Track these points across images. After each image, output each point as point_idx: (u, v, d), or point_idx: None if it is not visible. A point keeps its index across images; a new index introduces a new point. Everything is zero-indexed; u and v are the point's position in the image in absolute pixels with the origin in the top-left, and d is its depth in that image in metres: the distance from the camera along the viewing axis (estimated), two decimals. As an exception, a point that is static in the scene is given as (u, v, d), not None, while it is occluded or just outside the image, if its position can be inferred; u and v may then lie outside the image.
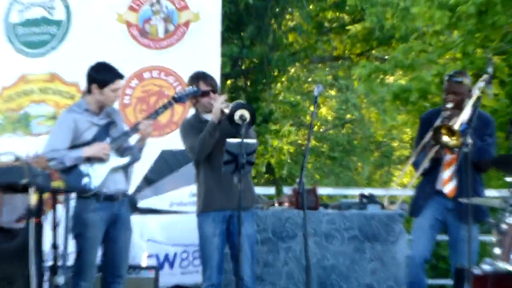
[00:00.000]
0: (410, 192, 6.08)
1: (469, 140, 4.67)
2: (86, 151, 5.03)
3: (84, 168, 5.04)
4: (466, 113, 5.14)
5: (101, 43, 6.49)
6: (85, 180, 5.00)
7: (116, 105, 5.47)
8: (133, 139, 5.34)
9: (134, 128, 5.19)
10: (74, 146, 5.05)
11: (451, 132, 5.01)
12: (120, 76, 5.18)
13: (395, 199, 6.79)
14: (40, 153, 5.06)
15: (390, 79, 16.64)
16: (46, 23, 6.58)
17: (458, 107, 5.18)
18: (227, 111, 5.06)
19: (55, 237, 4.81)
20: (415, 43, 10.60)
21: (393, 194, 7.11)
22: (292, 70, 16.96)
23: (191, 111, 6.24)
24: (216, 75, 6.62)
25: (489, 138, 5.21)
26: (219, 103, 5.14)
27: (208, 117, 5.25)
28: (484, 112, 5.42)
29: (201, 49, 6.63)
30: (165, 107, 5.31)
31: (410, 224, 8.34)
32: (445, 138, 5.04)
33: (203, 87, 5.31)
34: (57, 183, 4.73)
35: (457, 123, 5.03)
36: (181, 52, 6.66)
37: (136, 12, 6.66)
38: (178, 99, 5.31)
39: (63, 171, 4.95)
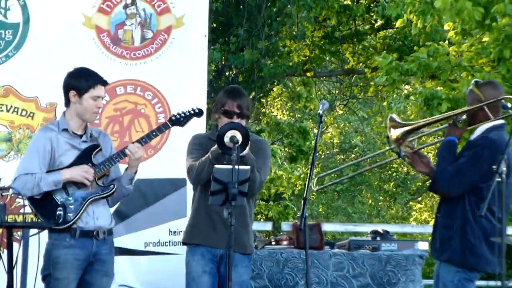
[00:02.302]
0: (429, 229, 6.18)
1: (503, 168, 4.78)
2: (65, 173, 5.08)
3: (59, 197, 5.09)
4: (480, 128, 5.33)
5: (65, 52, 6.55)
6: (58, 212, 5.02)
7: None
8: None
9: (121, 153, 5.20)
10: (49, 171, 5.10)
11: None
12: (103, 82, 5.21)
13: None
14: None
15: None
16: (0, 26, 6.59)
17: (473, 120, 5.36)
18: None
19: (12, 281, 4.87)
20: (442, 44, 10.62)
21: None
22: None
23: (174, 133, 6.30)
24: (202, 91, 6.75)
25: (462, 158, 5.28)
26: None
27: None
28: (490, 136, 5.25)
29: (185, 60, 6.74)
30: (159, 130, 5.31)
31: (432, 268, 8.41)
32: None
33: (228, 107, 5.34)
34: (14, 217, 4.77)
35: (400, 130, 5.37)
36: (160, 64, 6.75)
37: (107, 15, 6.72)
38: (176, 122, 5.33)
39: (36, 200, 5.04)
